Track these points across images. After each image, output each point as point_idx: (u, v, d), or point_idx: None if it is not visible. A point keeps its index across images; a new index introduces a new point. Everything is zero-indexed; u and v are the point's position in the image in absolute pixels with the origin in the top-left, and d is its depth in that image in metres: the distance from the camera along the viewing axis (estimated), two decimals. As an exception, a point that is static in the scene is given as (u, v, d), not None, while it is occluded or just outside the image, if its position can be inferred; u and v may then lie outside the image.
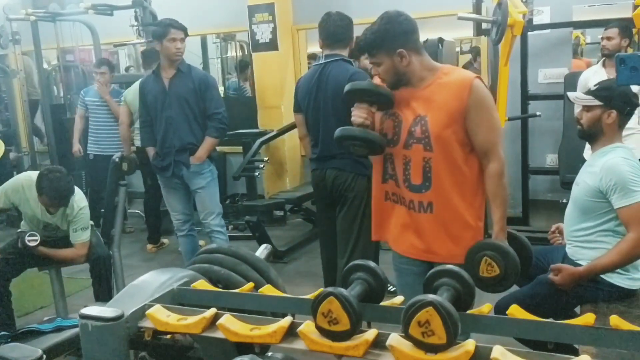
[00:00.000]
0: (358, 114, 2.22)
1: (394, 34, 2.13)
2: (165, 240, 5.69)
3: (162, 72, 4.04)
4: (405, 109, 2.21)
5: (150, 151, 4.18)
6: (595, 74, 4.27)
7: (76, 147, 5.92)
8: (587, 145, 4.17)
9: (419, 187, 2.19)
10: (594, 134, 2.61)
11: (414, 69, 2.17)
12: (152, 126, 4.13)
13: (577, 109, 2.74)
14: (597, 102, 2.55)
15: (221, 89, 8.19)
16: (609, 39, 4.25)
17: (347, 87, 2.27)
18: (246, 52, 7.93)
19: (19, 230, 3.74)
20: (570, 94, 2.81)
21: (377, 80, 2.33)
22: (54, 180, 3.29)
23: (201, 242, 4.49)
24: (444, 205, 2.17)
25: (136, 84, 5.10)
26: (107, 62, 5.86)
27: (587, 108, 2.60)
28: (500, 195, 2.19)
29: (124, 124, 5.27)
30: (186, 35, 4.00)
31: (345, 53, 3.39)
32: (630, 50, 5.23)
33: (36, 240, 3.39)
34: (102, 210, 4.11)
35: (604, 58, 4.36)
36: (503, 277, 2.01)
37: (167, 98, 4.02)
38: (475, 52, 7.53)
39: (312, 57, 7.33)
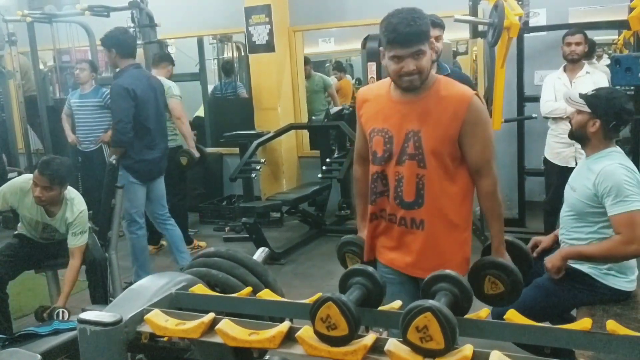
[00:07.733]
0: None
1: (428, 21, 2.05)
2: (164, 242, 5.67)
3: None
4: (395, 124, 2.13)
5: None
6: (559, 79, 4.38)
7: (71, 137, 5.81)
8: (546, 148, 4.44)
9: (412, 204, 2.13)
10: (580, 138, 2.64)
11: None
12: None
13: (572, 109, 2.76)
14: (586, 108, 2.56)
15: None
16: (577, 44, 4.32)
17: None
18: (242, 54, 7.92)
19: (15, 232, 3.73)
20: (565, 93, 2.83)
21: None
22: (52, 158, 3.41)
23: (163, 242, 5.07)
24: (436, 222, 2.13)
25: (169, 82, 5.11)
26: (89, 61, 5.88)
27: (578, 111, 2.62)
28: (496, 210, 2.17)
29: (185, 118, 5.24)
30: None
31: None
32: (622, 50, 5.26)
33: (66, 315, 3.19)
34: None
35: (565, 64, 4.44)
36: (508, 293, 2.00)
37: None
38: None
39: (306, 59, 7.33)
